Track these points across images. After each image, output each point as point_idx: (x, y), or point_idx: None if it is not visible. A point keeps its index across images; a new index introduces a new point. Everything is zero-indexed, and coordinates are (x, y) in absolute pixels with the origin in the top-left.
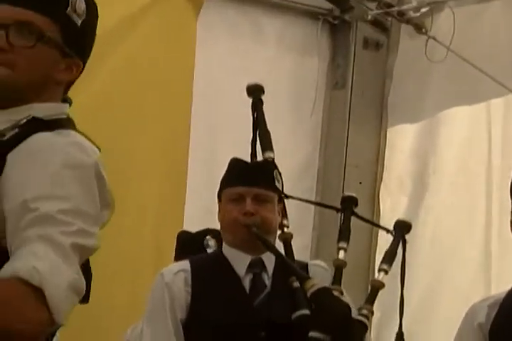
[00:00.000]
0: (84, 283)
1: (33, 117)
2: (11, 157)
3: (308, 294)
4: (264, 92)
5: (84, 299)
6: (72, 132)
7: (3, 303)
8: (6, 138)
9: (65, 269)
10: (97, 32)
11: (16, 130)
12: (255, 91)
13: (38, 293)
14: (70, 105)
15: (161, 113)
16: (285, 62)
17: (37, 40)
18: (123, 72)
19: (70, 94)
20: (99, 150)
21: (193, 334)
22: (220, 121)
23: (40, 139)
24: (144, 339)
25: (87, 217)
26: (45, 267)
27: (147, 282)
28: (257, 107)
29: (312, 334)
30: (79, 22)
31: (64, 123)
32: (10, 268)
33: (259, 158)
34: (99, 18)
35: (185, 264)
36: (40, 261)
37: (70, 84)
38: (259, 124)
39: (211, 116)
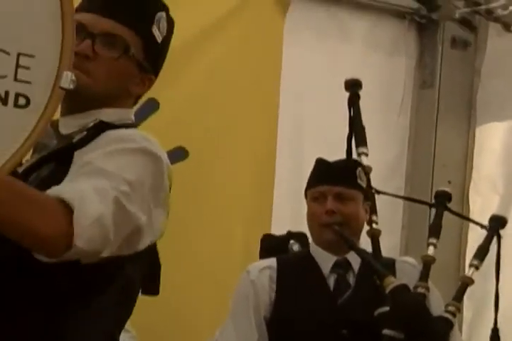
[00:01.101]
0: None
1: (100, 121)
2: (79, 152)
3: (387, 291)
4: (361, 87)
5: (154, 291)
6: (142, 133)
7: (41, 206)
8: (74, 140)
9: (98, 206)
10: (187, 33)
11: (84, 133)
12: (353, 86)
13: (68, 210)
14: (158, 108)
15: (249, 114)
16: (372, 62)
17: (122, 52)
18: (212, 73)
19: (160, 95)
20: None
21: (276, 332)
22: (307, 122)
23: (109, 134)
24: (227, 335)
25: (144, 194)
26: (82, 192)
27: (235, 284)
28: (354, 102)
29: (385, 331)
30: (160, 39)
31: (129, 127)
32: (56, 190)
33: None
34: (192, 19)
35: (271, 261)
36: (84, 190)
37: (139, 96)
38: (355, 119)
39: (298, 117)
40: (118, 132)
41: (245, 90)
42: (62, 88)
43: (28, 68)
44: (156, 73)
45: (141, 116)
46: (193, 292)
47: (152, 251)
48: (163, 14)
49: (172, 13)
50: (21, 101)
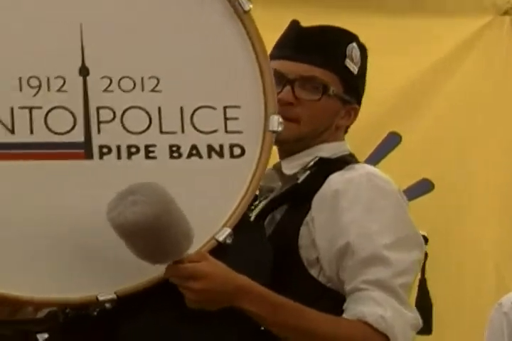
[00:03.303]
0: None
1: (320, 158)
2: (317, 201)
3: None
4: None
5: (427, 330)
6: (361, 164)
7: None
8: (300, 181)
9: (404, 312)
10: (434, 57)
11: (308, 172)
12: None
13: (382, 338)
14: (400, 141)
15: (493, 142)
16: None
17: (322, 93)
18: (453, 101)
19: (401, 128)
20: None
21: None
22: None
23: (336, 180)
24: None
25: (407, 243)
26: (388, 315)
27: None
28: None
29: None
30: (356, 70)
31: (348, 159)
32: (356, 311)
33: None
34: (438, 43)
35: None
36: (382, 308)
37: (347, 127)
38: None
39: None
40: (345, 180)
41: (486, 118)
42: (273, 131)
43: (236, 119)
44: (359, 101)
45: (384, 150)
46: (449, 327)
47: (423, 289)
48: (353, 45)
49: (408, 47)
50: (236, 151)
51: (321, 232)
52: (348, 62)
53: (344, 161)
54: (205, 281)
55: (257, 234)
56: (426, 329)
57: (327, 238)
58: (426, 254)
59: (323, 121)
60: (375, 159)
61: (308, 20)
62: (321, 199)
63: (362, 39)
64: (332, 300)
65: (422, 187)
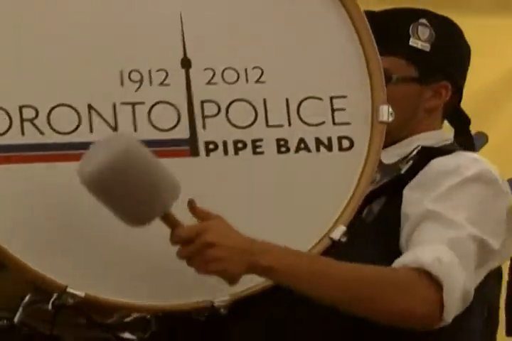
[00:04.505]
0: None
1: (422, 147)
2: (409, 188)
3: None
4: None
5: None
6: (468, 153)
7: (406, 290)
8: (403, 171)
9: (461, 273)
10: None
11: (410, 162)
12: None
13: (437, 287)
14: (487, 141)
15: None
16: None
17: (386, 82)
18: None
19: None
20: None
21: None
22: None
23: (435, 165)
24: None
25: (494, 227)
26: (446, 260)
27: None
28: None
29: None
30: (427, 47)
31: (452, 148)
32: (414, 257)
33: None
34: None
35: None
36: (442, 253)
37: (445, 107)
38: None
39: None
40: (444, 161)
41: None
42: (382, 122)
43: (343, 109)
44: (451, 75)
45: None
46: None
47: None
48: (419, 22)
49: (492, 47)
50: (345, 143)
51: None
52: (414, 41)
53: (448, 149)
54: (214, 235)
55: (366, 230)
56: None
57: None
58: None
59: (404, 109)
60: None
61: None
62: (422, 179)
63: None
64: None
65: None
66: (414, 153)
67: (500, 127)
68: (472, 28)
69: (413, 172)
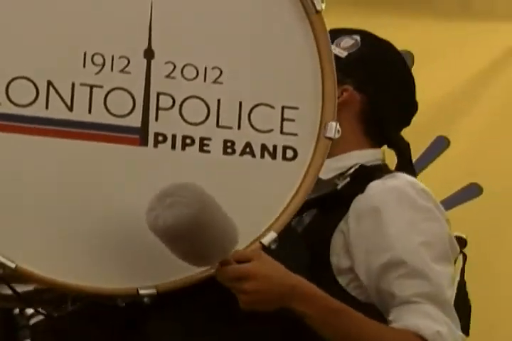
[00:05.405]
0: None
1: (361, 165)
2: (356, 210)
3: None
4: None
5: (465, 332)
6: (400, 173)
7: None
8: (339, 187)
9: (454, 330)
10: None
11: (347, 179)
12: None
13: None
14: (448, 145)
15: None
16: None
17: None
18: (508, 100)
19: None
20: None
21: None
22: None
23: (377, 190)
24: None
25: (448, 256)
26: (444, 331)
27: None
28: None
29: None
30: (343, 54)
31: (385, 169)
32: (409, 323)
33: None
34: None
35: None
36: (438, 323)
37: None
38: None
39: None
40: (388, 189)
41: None
42: (328, 138)
43: (293, 120)
44: (361, 85)
45: (432, 154)
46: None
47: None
48: (351, 36)
49: (457, 51)
50: (289, 153)
51: (359, 243)
52: (333, 47)
53: (382, 170)
54: (257, 282)
55: (296, 239)
56: (464, 331)
57: (367, 249)
58: (465, 256)
59: None
60: (423, 163)
61: (355, 22)
62: (361, 209)
63: (411, 42)
64: (361, 311)
65: (470, 192)
66: (352, 170)
67: (463, 131)
68: (437, 31)
69: (348, 189)
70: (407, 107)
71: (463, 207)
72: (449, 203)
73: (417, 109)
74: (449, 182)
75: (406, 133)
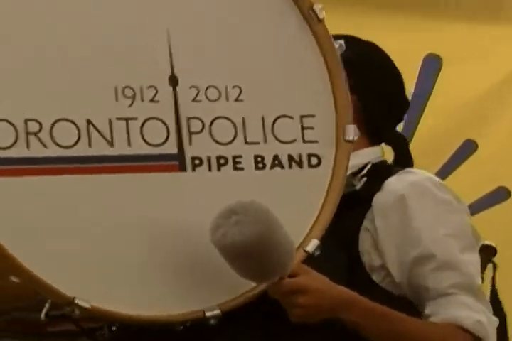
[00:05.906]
0: None
1: (373, 164)
2: (379, 208)
3: None
4: None
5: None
6: (412, 169)
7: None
8: (358, 187)
9: (490, 316)
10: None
11: (364, 179)
12: None
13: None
14: (476, 149)
15: None
16: None
17: None
18: None
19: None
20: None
21: None
22: None
23: (397, 185)
24: None
25: (473, 245)
26: (484, 320)
27: None
28: None
29: None
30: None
31: (390, 165)
32: (449, 316)
33: None
34: None
35: None
36: (477, 313)
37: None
38: None
39: None
40: (408, 184)
41: None
42: (348, 141)
43: (312, 128)
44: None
45: (460, 158)
46: None
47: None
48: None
49: (486, 55)
50: (314, 161)
51: (388, 239)
52: None
53: (389, 166)
54: (310, 296)
55: (330, 241)
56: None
57: (396, 245)
58: (495, 265)
59: None
60: (450, 167)
61: (376, 25)
62: (385, 206)
63: (440, 46)
64: (397, 305)
65: (498, 196)
66: (366, 170)
67: (491, 135)
68: (466, 34)
69: (368, 189)
70: (398, 105)
71: (491, 211)
72: (477, 207)
73: (408, 105)
74: (477, 185)
75: (436, 136)
